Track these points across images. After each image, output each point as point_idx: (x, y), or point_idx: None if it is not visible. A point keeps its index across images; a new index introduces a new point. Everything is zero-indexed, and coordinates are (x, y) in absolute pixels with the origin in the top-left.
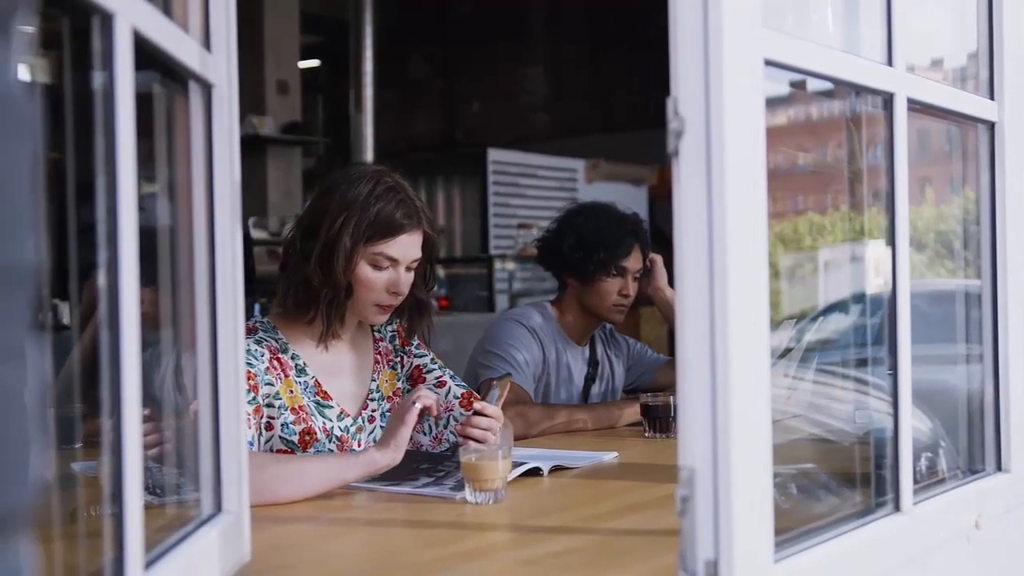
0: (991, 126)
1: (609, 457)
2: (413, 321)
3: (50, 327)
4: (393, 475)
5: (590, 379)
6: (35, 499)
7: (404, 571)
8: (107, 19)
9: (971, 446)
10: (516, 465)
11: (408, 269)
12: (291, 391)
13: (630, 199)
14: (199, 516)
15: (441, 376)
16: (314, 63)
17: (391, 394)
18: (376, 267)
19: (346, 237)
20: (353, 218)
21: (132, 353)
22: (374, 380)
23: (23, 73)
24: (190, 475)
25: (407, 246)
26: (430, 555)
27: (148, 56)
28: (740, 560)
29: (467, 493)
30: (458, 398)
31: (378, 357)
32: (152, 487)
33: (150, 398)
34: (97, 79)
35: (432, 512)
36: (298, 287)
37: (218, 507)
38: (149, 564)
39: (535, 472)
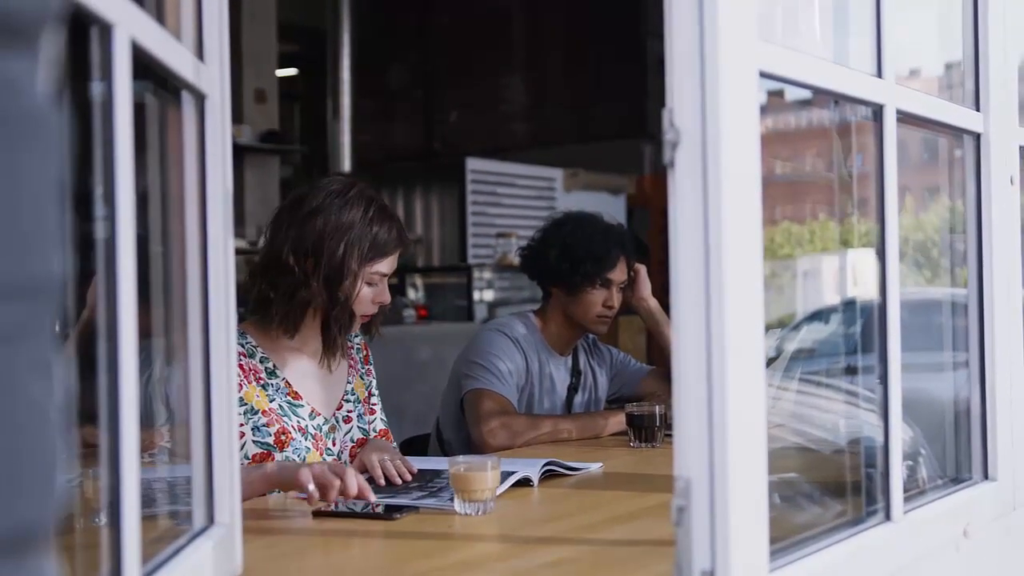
0: (977, 137)
1: (595, 467)
2: (375, 316)
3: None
4: (386, 489)
5: (573, 389)
6: (60, 512)
7: None
8: (106, 30)
9: (958, 455)
10: (506, 476)
11: (389, 280)
12: (258, 395)
13: (608, 208)
14: (192, 529)
15: (375, 405)
16: (292, 72)
17: (363, 399)
18: (369, 284)
19: (352, 262)
20: (356, 243)
21: (129, 366)
22: (349, 382)
23: (50, 87)
24: (181, 487)
25: (395, 261)
26: (422, 566)
27: (143, 66)
28: (736, 570)
29: (456, 504)
30: (376, 432)
31: (351, 363)
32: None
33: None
34: (95, 89)
35: (422, 524)
36: (298, 307)
37: (211, 519)
38: None
39: (524, 483)
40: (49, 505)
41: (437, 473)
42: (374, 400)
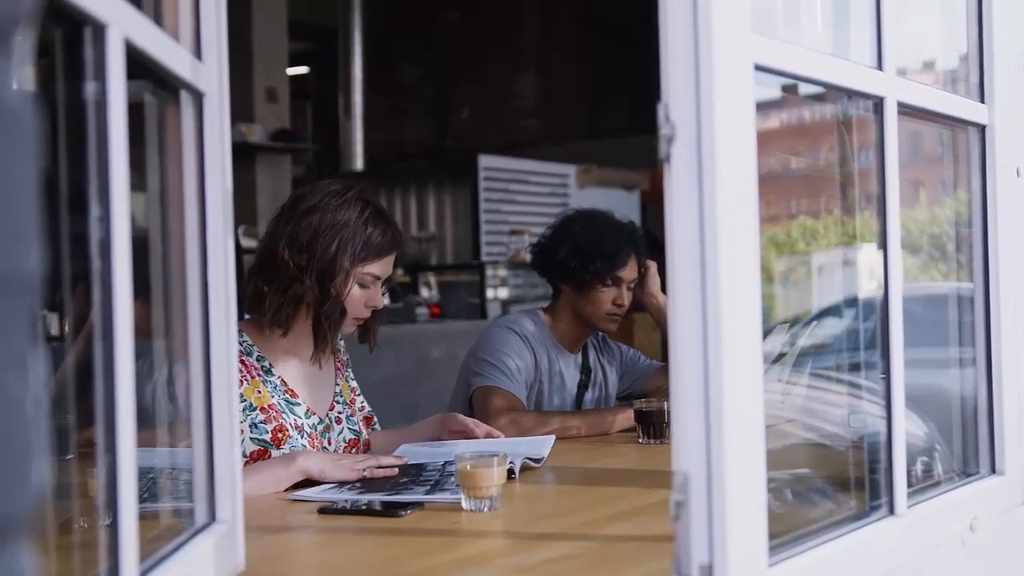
0: (982, 129)
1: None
2: (372, 324)
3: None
4: (379, 488)
5: (583, 386)
6: (36, 506)
7: None
8: (99, 29)
9: (965, 449)
10: None
11: (383, 284)
12: (259, 391)
13: (622, 204)
14: (193, 525)
15: (361, 405)
16: (303, 70)
17: (349, 402)
18: (362, 286)
19: (344, 259)
20: (349, 242)
21: (126, 364)
22: (337, 384)
23: (24, 84)
24: (183, 484)
25: (390, 265)
26: (426, 563)
27: (139, 65)
28: (734, 564)
29: (462, 501)
30: (364, 418)
31: (339, 365)
32: (144, 496)
33: (142, 409)
34: (89, 89)
35: (427, 520)
36: (290, 302)
37: (212, 516)
38: (144, 574)
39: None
40: (26, 498)
41: (421, 468)
42: (359, 394)
